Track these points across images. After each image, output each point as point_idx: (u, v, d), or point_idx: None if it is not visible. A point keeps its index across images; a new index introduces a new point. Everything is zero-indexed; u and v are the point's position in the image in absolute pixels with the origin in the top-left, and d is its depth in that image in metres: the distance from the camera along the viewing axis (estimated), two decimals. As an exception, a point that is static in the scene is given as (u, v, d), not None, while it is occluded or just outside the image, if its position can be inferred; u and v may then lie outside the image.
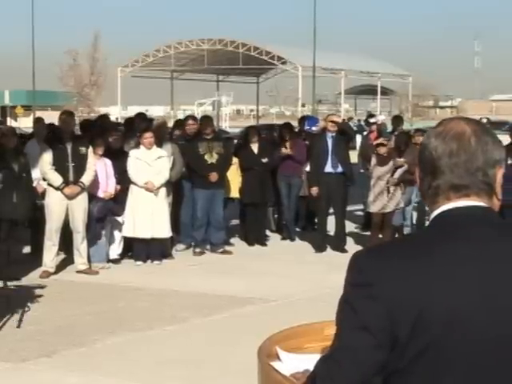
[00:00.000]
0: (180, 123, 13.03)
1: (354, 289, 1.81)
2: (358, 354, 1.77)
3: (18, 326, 7.37)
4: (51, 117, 23.96)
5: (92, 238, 10.31)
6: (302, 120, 14.93)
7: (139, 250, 10.86)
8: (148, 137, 10.80)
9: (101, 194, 10.42)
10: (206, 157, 11.47)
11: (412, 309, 1.75)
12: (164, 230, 10.83)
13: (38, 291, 8.64)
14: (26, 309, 7.82)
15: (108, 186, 10.51)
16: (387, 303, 1.76)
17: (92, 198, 10.22)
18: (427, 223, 1.93)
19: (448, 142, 1.89)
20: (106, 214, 10.46)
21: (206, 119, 12.52)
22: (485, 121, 41.86)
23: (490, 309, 1.77)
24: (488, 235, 1.83)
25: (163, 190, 10.90)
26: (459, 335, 1.76)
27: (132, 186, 10.79)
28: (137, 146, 10.95)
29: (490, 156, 1.89)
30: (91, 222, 10.22)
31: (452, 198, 1.88)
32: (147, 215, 10.64)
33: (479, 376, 1.79)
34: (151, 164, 10.73)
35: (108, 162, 10.55)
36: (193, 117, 13.28)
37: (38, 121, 12.73)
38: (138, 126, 11.93)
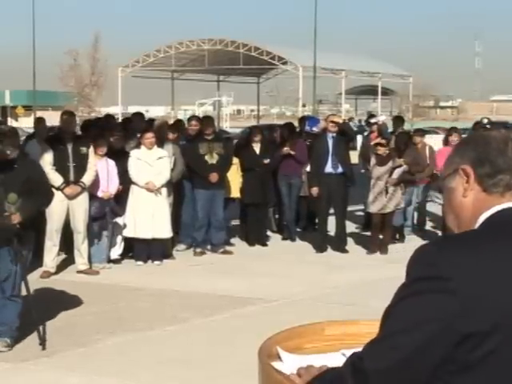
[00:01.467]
0: (174, 125, 12.85)
1: (423, 282, 1.76)
2: (413, 345, 1.74)
3: (43, 348, 6.89)
4: (52, 117, 24.00)
5: (91, 237, 10.31)
6: (303, 120, 14.88)
7: (140, 250, 10.86)
8: (149, 137, 10.80)
9: (100, 193, 10.42)
10: (207, 157, 11.46)
11: (492, 307, 1.73)
12: (165, 231, 10.84)
13: (38, 291, 8.63)
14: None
15: (109, 186, 10.50)
16: (465, 299, 1.73)
17: (91, 197, 10.22)
18: (483, 219, 1.89)
19: None
20: (104, 214, 10.46)
21: (207, 119, 12.51)
22: (485, 121, 41.78)
23: None
24: None
25: (164, 191, 10.89)
26: None
27: (133, 187, 10.79)
28: (137, 146, 10.95)
29: None
30: (89, 222, 10.22)
31: None
32: (148, 215, 10.64)
33: None
34: (152, 164, 10.73)
35: (111, 162, 10.53)
36: (197, 117, 13.24)
37: (39, 121, 12.72)
38: (137, 126, 11.90)
